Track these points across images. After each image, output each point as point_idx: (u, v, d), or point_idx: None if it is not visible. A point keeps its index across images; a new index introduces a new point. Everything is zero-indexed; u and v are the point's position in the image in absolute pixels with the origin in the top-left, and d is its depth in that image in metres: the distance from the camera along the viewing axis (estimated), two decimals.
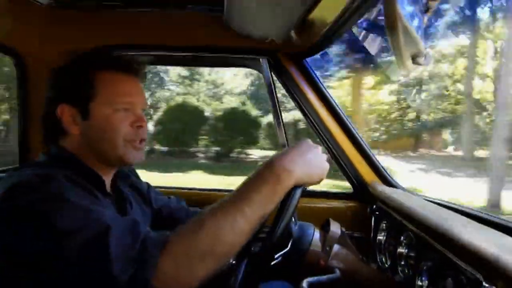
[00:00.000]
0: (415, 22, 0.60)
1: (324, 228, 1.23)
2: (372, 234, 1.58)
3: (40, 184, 0.85)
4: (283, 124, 1.81)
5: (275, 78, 1.77)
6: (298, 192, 0.90)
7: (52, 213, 0.80)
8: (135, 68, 1.11)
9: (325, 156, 0.95)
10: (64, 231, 0.78)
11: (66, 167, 0.99)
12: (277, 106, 1.80)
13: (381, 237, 1.50)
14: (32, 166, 1.01)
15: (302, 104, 1.73)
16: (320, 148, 0.94)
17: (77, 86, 1.04)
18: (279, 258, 1.12)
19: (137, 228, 0.82)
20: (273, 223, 0.92)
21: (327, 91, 1.73)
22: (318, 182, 0.95)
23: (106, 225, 0.79)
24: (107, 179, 1.11)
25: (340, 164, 1.75)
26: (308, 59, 1.74)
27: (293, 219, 1.20)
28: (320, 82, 1.73)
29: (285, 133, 1.82)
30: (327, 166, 0.95)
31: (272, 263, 1.01)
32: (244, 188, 0.85)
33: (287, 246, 1.14)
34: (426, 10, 0.61)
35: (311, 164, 0.90)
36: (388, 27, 0.54)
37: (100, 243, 0.76)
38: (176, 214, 1.38)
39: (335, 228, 1.21)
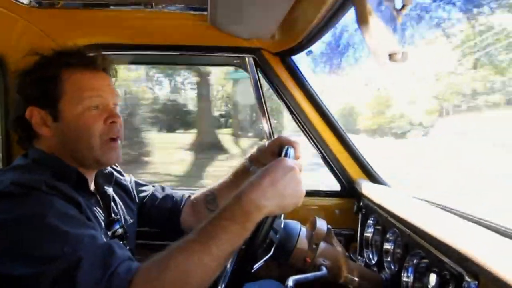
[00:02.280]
0: (389, 19, 0.61)
1: (311, 225, 1.23)
2: (359, 231, 1.59)
3: (20, 196, 0.83)
4: (269, 120, 1.81)
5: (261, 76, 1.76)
6: (269, 220, 0.84)
7: (29, 237, 0.79)
8: (102, 64, 1.09)
9: (301, 180, 0.85)
10: (38, 259, 0.76)
11: (46, 169, 0.96)
12: (264, 103, 1.79)
13: (368, 233, 1.51)
14: (12, 170, 0.97)
15: (288, 102, 1.73)
16: (296, 169, 0.84)
17: (43, 87, 1.01)
18: (262, 263, 1.11)
19: (110, 257, 0.79)
20: (246, 248, 0.87)
21: (313, 89, 1.74)
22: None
23: (79, 257, 0.76)
24: (90, 178, 1.09)
25: (327, 162, 1.76)
26: None
27: (275, 228, 1.18)
28: (306, 80, 1.74)
29: (270, 128, 1.81)
30: (302, 193, 0.86)
31: (254, 269, 0.99)
32: (211, 226, 0.79)
33: (269, 252, 1.13)
34: (401, 7, 0.61)
35: (285, 195, 0.81)
36: (360, 25, 0.54)
37: (70, 277, 0.74)
38: (161, 203, 1.37)
39: (322, 225, 1.20)
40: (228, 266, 1.00)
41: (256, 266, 1.06)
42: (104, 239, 0.88)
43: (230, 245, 0.78)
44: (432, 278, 0.96)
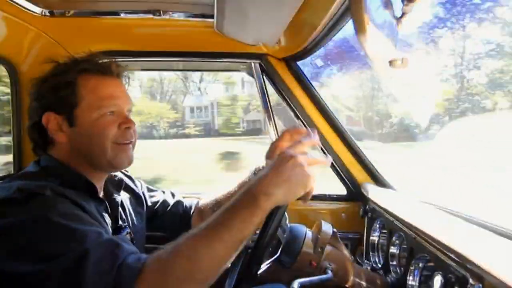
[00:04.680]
0: (388, 27, 0.62)
1: (316, 229, 1.24)
2: (365, 235, 1.59)
3: (25, 202, 0.84)
4: (275, 125, 1.82)
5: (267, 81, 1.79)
6: (281, 211, 0.87)
7: (35, 237, 0.80)
8: (117, 71, 1.11)
9: (306, 167, 0.84)
10: (45, 256, 0.77)
11: (55, 177, 0.98)
12: (270, 108, 1.81)
13: (374, 237, 1.51)
14: (22, 177, 0.99)
15: (293, 106, 1.75)
16: (297, 156, 0.84)
17: (60, 94, 1.03)
18: (269, 264, 1.12)
19: (118, 249, 0.80)
20: (257, 240, 0.90)
21: (318, 93, 1.75)
22: (307, 196, 0.87)
23: (85, 250, 0.77)
24: (99, 185, 1.11)
25: (333, 166, 1.77)
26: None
27: (283, 226, 1.20)
28: (311, 85, 1.75)
29: (276, 133, 1.83)
30: (309, 177, 0.85)
31: (260, 271, 1.00)
32: (222, 214, 0.81)
33: (276, 253, 1.15)
34: (401, 16, 0.62)
35: (291, 182, 0.83)
36: (357, 32, 0.55)
37: (78, 270, 0.75)
38: (172, 209, 1.40)
39: (327, 229, 1.21)
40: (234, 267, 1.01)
41: (262, 267, 1.07)
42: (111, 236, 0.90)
43: (240, 232, 0.80)
44: (437, 281, 0.96)
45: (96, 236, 0.82)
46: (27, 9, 1.50)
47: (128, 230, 1.18)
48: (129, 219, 1.22)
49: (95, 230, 0.85)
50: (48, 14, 1.59)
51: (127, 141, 1.08)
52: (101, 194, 1.12)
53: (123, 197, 1.23)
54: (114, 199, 1.18)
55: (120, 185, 1.24)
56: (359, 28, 0.55)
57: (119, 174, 1.26)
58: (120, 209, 1.18)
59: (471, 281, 0.82)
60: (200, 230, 0.81)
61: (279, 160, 0.84)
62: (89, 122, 1.03)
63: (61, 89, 1.04)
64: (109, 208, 1.13)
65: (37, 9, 1.55)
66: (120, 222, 1.16)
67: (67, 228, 0.81)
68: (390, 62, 0.63)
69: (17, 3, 1.44)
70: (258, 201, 0.80)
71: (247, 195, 0.82)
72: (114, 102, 1.06)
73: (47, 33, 1.62)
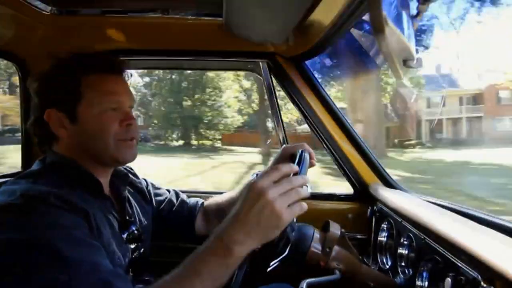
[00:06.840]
0: (404, 26, 0.61)
1: (324, 229, 1.23)
2: (373, 235, 1.59)
3: (27, 212, 0.83)
4: (282, 126, 1.82)
5: (274, 80, 1.78)
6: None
7: (30, 262, 0.78)
8: (119, 68, 1.12)
9: (277, 205, 0.78)
10: (33, 281, 0.76)
11: (60, 173, 0.99)
12: (277, 108, 1.81)
13: (382, 238, 1.50)
14: (27, 177, 0.98)
15: (301, 106, 1.74)
16: (269, 194, 0.77)
17: (62, 90, 1.03)
18: (277, 263, 1.12)
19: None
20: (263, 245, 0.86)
21: (326, 93, 1.74)
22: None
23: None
24: (104, 180, 1.11)
25: (340, 166, 1.76)
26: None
27: (292, 224, 1.19)
28: (319, 85, 1.74)
29: (284, 133, 1.82)
30: (280, 219, 0.78)
31: (269, 269, 1.00)
32: (194, 261, 0.80)
33: (285, 252, 1.14)
34: (416, 14, 0.62)
35: (261, 227, 0.78)
36: (375, 31, 0.55)
37: None
38: (178, 209, 1.40)
39: (335, 229, 1.20)
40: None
41: (271, 265, 1.07)
42: (110, 265, 0.87)
43: (213, 280, 0.79)
44: (447, 283, 0.95)
45: (89, 270, 0.80)
46: (36, 7, 1.51)
47: (137, 225, 1.18)
48: (136, 215, 1.22)
49: (92, 261, 0.82)
50: (56, 12, 1.59)
51: (128, 138, 1.08)
52: (107, 190, 1.12)
53: (128, 193, 1.23)
54: (121, 194, 1.18)
55: (125, 180, 1.24)
56: (376, 26, 0.55)
57: (123, 170, 1.26)
58: (127, 204, 1.19)
59: (482, 283, 0.81)
60: (174, 279, 0.80)
61: (247, 199, 0.80)
62: (91, 119, 1.03)
63: (63, 86, 1.04)
64: (115, 204, 1.13)
65: (46, 7, 1.56)
66: (128, 217, 1.16)
67: (64, 256, 0.79)
68: (405, 62, 0.62)
69: (26, 1, 1.45)
70: (231, 251, 0.79)
71: (218, 243, 0.80)
72: (116, 99, 1.06)
73: (56, 31, 1.63)
